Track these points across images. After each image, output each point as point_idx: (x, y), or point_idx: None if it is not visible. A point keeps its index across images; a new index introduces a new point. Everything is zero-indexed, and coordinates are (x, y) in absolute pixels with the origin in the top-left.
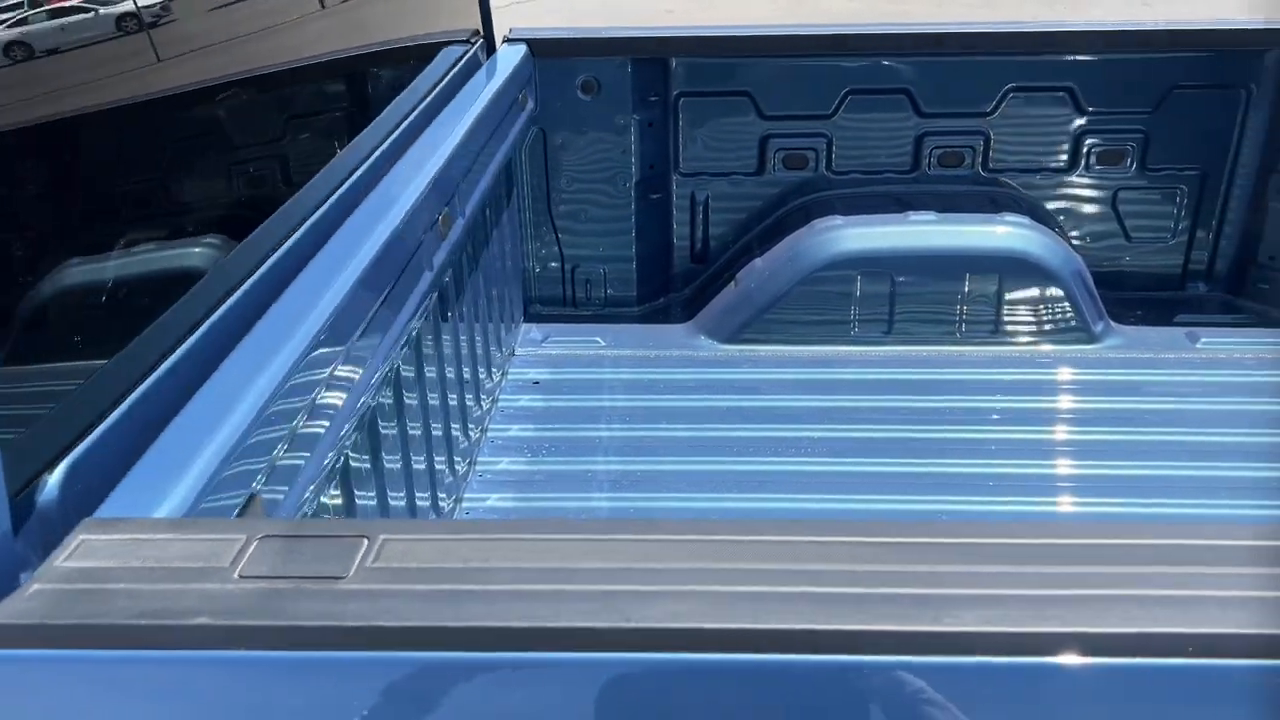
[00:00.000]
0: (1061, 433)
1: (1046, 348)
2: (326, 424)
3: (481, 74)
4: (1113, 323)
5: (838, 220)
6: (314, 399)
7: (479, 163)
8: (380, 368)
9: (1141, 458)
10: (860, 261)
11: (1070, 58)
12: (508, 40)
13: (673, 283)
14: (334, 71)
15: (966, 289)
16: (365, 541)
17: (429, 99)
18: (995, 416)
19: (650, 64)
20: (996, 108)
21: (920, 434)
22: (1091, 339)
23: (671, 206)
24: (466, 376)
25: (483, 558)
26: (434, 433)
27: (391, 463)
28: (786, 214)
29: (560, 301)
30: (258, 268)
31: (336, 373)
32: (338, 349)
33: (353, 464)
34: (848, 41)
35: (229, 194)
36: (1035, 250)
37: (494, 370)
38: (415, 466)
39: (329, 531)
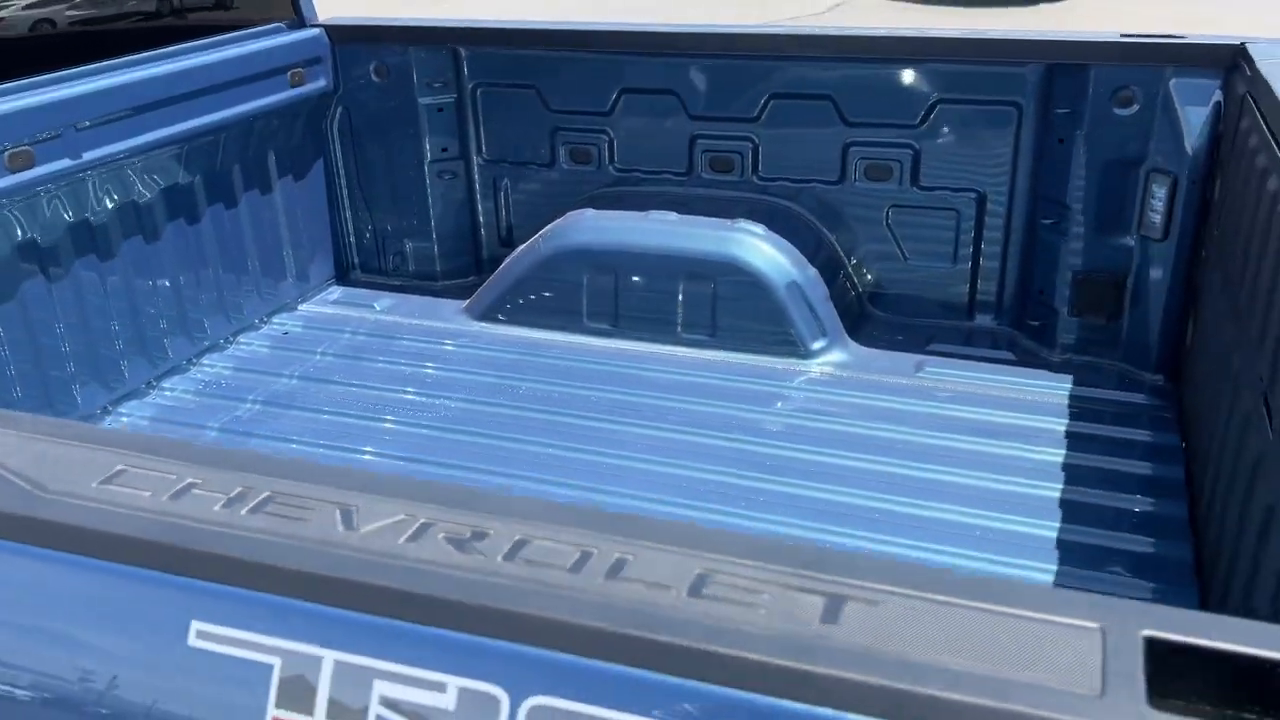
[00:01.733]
0: (722, 439)
1: (754, 358)
2: None
3: (238, 49)
4: (851, 342)
5: (587, 213)
6: None
7: (169, 120)
8: None
9: (779, 473)
10: (586, 254)
11: (827, 65)
12: (309, 25)
13: (483, 264)
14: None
15: (684, 291)
16: None
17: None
18: (671, 416)
19: (436, 52)
20: (761, 114)
21: (580, 421)
22: (805, 354)
23: (475, 190)
24: (165, 315)
25: None
26: (58, 344)
27: None
28: (577, 205)
29: (376, 270)
30: None
31: None
32: None
33: None
34: (623, 39)
35: None
36: (749, 259)
37: (233, 315)
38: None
39: None
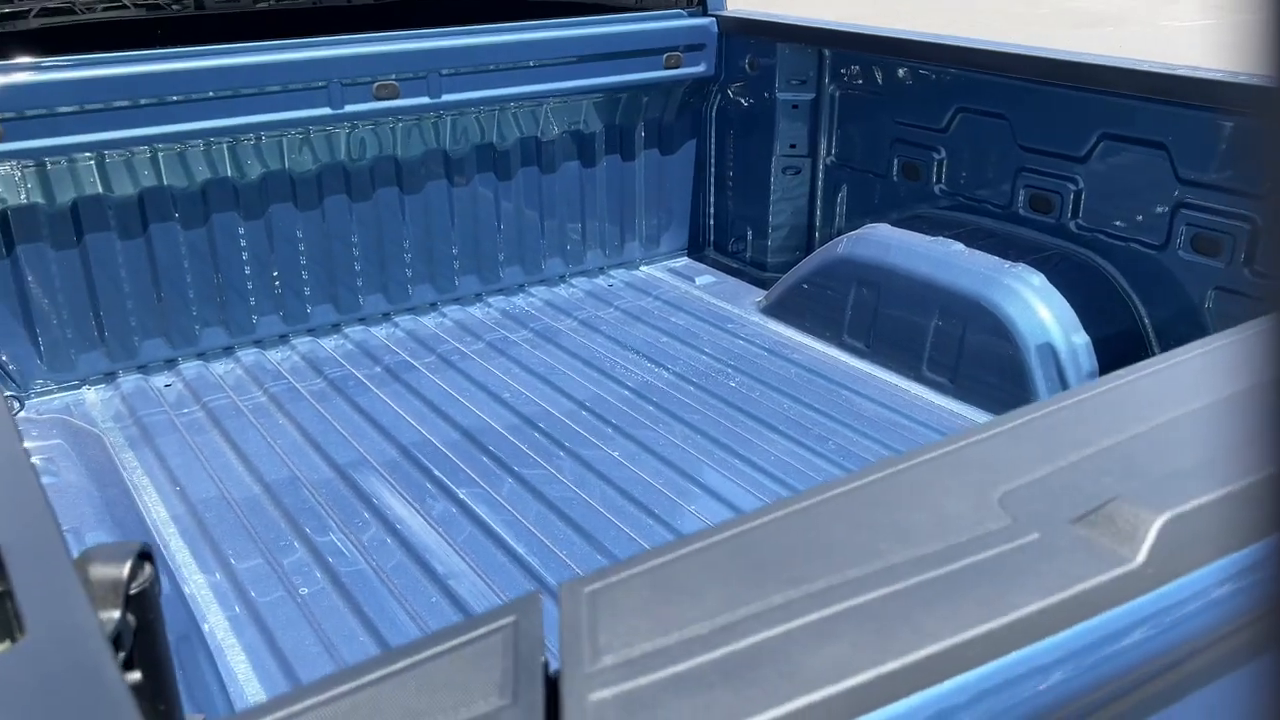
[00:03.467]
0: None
1: (984, 416)
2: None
3: (615, 27)
4: None
5: (880, 228)
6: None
7: (530, 79)
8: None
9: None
10: (859, 267)
11: (1163, 109)
12: (707, 14)
13: None
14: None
15: (936, 327)
16: None
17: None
18: (855, 452)
19: (803, 51)
20: (1088, 155)
21: (721, 421)
22: None
23: (816, 188)
24: (504, 246)
25: None
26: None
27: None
28: (897, 221)
29: (724, 250)
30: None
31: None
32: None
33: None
34: (965, 55)
35: None
36: (1005, 307)
37: (571, 260)
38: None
39: None
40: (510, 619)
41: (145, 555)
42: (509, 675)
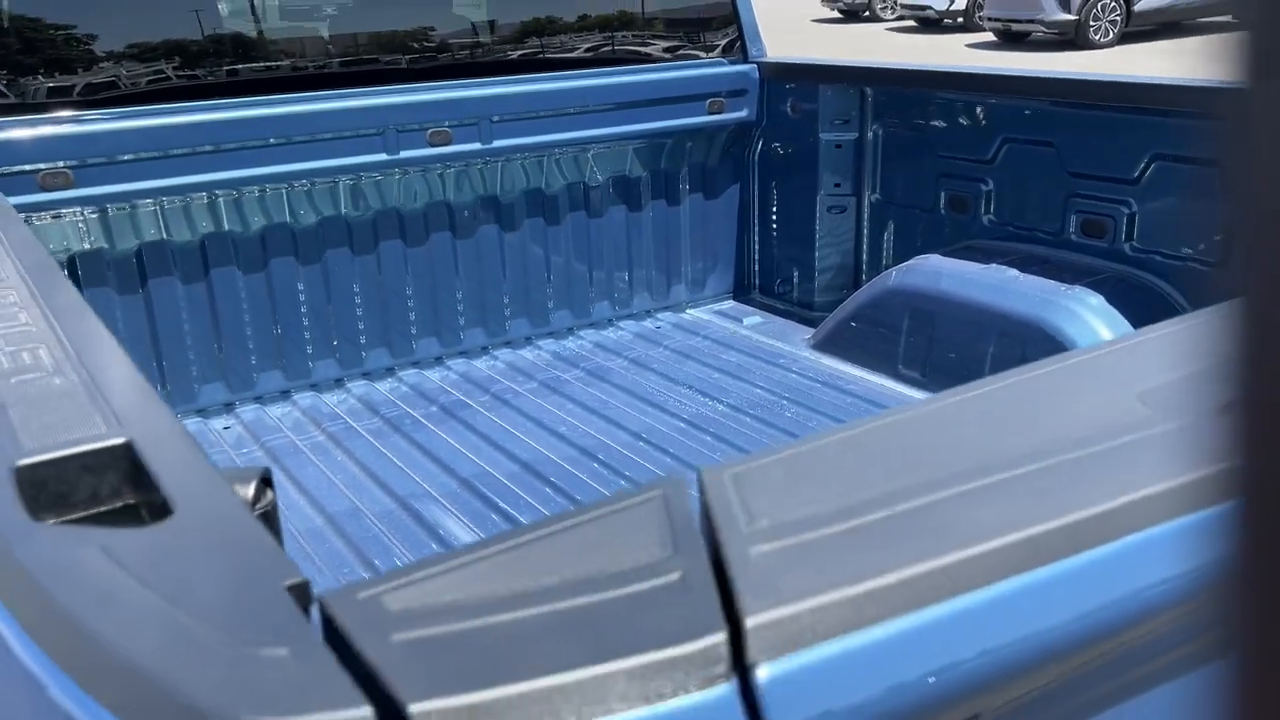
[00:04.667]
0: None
1: None
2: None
3: (658, 74)
4: None
5: (931, 258)
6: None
7: (571, 125)
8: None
9: None
10: (912, 297)
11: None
12: (748, 61)
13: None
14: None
15: (993, 353)
16: None
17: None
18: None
19: (845, 92)
20: (1141, 177)
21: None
22: None
23: (862, 227)
24: (554, 292)
25: None
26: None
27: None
28: (946, 254)
29: (770, 292)
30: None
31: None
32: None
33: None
34: (1007, 84)
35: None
36: (1064, 328)
37: (619, 304)
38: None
39: None
40: (657, 493)
41: (267, 480)
42: (666, 533)
